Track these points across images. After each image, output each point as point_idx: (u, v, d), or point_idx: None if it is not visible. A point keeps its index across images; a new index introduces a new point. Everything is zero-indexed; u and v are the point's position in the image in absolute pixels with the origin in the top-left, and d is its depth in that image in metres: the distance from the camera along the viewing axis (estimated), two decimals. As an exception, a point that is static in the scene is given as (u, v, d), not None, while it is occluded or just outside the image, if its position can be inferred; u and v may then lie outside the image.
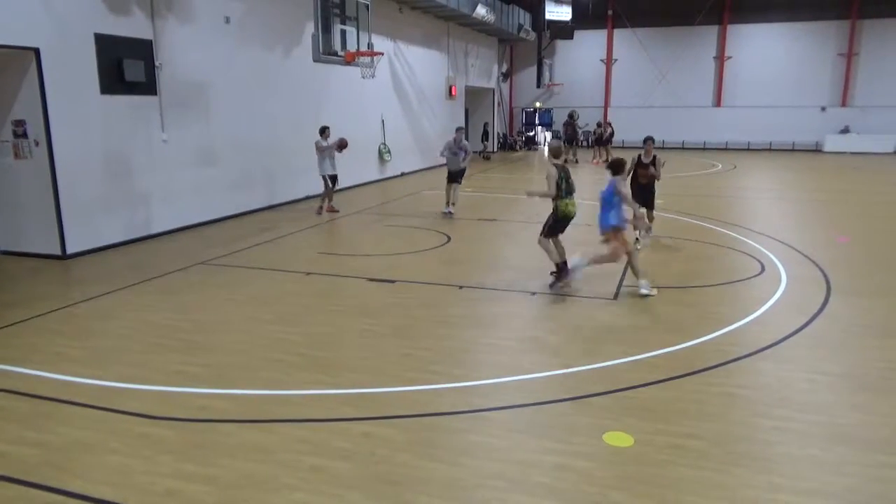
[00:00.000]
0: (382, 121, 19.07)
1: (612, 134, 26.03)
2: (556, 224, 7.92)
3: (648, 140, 10.36)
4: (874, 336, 6.20)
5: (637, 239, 9.76)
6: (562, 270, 7.85)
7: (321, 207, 13.43)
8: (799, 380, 5.29)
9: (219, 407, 4.81)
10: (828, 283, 7.98)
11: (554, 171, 7.70)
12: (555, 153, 8.04)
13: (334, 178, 13.28)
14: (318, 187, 15.97)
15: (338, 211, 13.40)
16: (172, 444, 4.26)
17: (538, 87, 31.64)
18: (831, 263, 8.90)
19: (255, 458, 4.08)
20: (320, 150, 12.99)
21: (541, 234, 7.97)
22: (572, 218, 7.88)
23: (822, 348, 5.92)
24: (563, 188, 7.71)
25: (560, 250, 8.00)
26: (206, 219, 12.22)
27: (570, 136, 25.56)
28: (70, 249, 9.56)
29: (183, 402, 4.88)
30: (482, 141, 28.29)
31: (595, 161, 24.83)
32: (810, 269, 8.73)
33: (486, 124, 29.12)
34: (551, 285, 7.87)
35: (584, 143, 30.90)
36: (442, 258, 9.69)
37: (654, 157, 10.20)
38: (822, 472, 3.95)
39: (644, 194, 10.20)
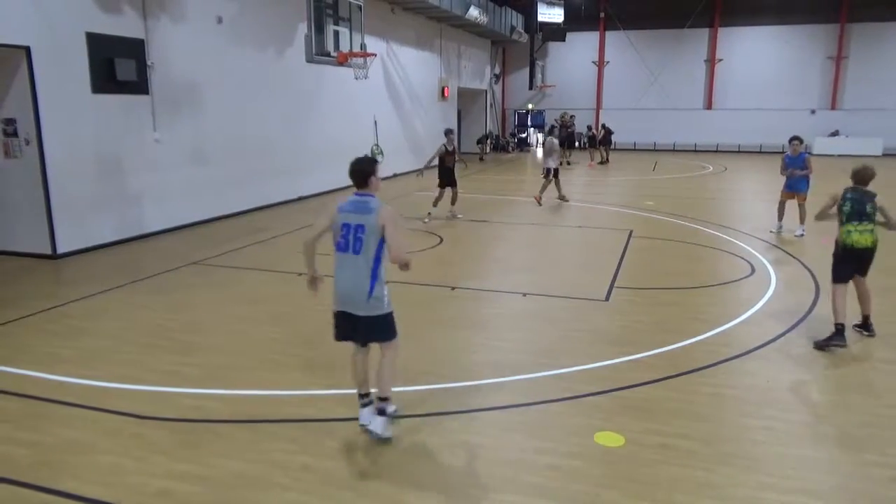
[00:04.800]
0: (375, 122, 19.07)
1: (607, 134, 26.07)
2: (837, 260, 6.14)
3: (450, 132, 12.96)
4: (861, 337, 6.26)
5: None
6: (861, 326, 6.31)
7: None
8: (787, 380, 5.35)
9: (211, 407, 4.81)
10: (816, 284, 8.05)
11: (838, 192, 6.21)
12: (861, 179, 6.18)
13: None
14: (311, 188, 16.00)
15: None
16: (165, 444, 4.26)
17: (530, 88, 31.73)
18: (820, 265, 8.95)
19: (247, 457, 4.09)
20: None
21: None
22: (860, 250, 5.97)
23: (810, 349, 5.98)
24: (846, 210, 6.05)
25: (862, 301, 6.24)
26: (198, 219, 12.18)
27: (563, 139, 25.57)
28: (61, 249, 9.51)
29: (175, 402, 4.87)
30: (477, 143, 28.41)
31: (591, 164, 24.91)
32: (799, 270, 8.82)
33: (489, 132, 29.49)
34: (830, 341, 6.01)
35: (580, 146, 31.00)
36: (434, 259, 9.71)
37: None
38: (810, 470, 4.00)
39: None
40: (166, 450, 4.18)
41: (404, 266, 4.09)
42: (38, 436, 4.37)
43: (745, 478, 3.87)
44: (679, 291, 7.88)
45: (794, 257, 9.50)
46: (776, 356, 5.81)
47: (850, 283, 6.14)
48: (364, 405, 4.40)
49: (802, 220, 11.06)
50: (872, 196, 6.08)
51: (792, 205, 11.26)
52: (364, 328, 4.21)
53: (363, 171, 4.22)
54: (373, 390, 4.41)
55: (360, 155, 4.47)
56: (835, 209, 6.20)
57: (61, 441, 4.30)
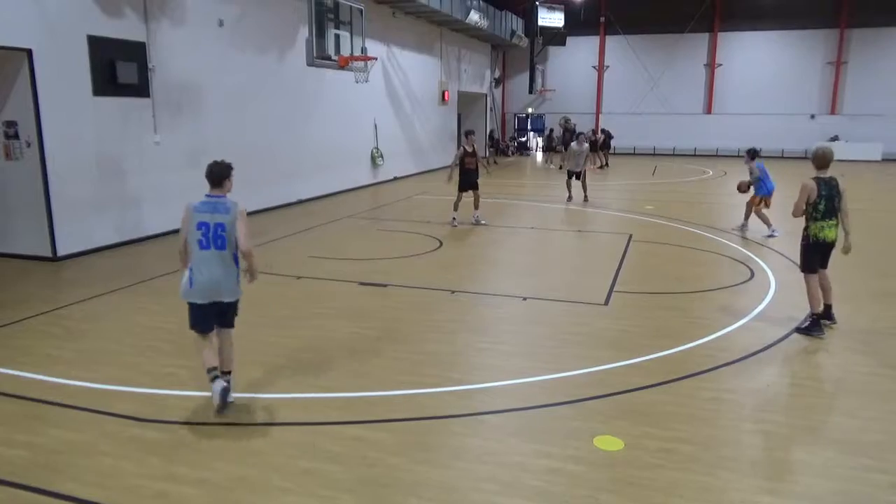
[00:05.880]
0: (375, 125, 19.09)
1: (606, 138, 26.16)
2: (809, 252, 6.47)
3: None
4: (860, 341, 6.27)
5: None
6: (823, 317, 6.49)
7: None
8: (786, 384, 5.35)
9: (210, 409, 4.80)
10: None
11: (812, 185, 6.28)
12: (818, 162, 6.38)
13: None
14: (311, 191, 16.04)
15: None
16: (163, 446, 4.25)
17: (530, 92, 31.77)
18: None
19: (246, 460, 4.08)
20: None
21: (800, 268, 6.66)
22: (829, 243, 6.39)
23: (808, 353, 5.99)
24: (821, 209, 6.27)
25: (825, 292, 6.55)
26: (197, 221, 12.17)
27: (566, 142, 25.65)
28: (61, 251, 9.52)
29: (174, 405, 4.87)
30: (490, 147, 28.57)
31: (593, 167, 24.95)
32: (798, 275, 8.78)
33: (492, 131, 29.51)
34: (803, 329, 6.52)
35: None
36: (434, 263, 9.71)
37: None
38: (809, 475, 3.99)
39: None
40: (164, 452, 4.17)
41: (250, 270, 4.68)
42: (35, 437, 4.36)
43: (744, 482, 3.87)
44: (678, 296, 7.88)
45: (792, 261, 9.48)
46: (775, 360, 5.81)
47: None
48: (215, 378, 4.67)
49: (751, 219, 11.95)
50: (837, 186, 6.35)
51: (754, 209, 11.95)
52: (229, 311, 4.79)
53: (221, 173, 4.79)
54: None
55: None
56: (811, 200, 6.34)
57: (59, 443, 4.29)
